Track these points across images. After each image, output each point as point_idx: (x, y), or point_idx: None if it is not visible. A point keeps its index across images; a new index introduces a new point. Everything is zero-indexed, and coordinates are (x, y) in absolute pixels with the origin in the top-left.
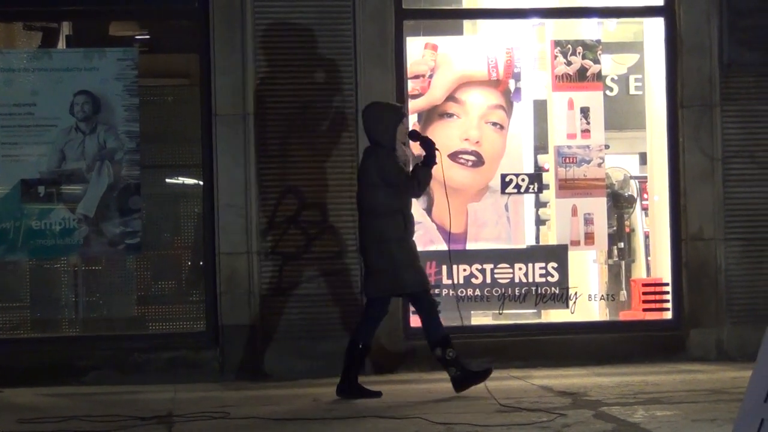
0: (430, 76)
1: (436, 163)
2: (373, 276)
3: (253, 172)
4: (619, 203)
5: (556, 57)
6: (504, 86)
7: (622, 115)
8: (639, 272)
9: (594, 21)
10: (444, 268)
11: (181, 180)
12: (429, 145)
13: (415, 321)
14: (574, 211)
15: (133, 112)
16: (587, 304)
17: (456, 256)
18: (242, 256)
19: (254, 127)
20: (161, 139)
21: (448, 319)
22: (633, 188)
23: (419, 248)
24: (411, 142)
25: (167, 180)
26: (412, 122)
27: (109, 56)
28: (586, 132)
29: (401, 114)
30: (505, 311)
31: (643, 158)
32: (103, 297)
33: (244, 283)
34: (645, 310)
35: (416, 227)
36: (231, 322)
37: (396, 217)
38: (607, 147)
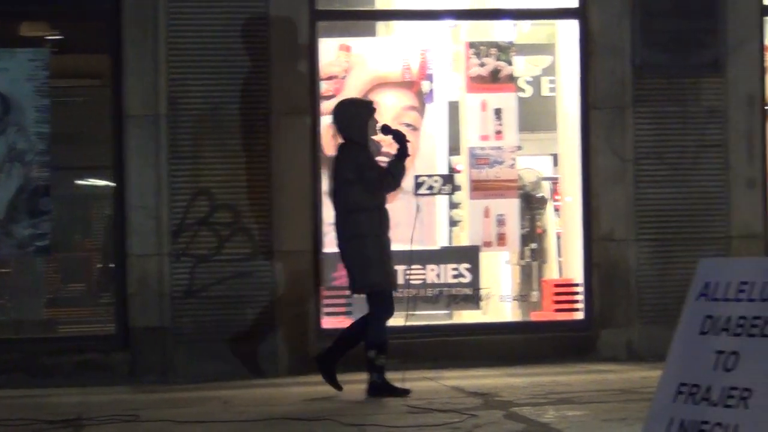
0: (344, 78)
1: (409, 155)
2: (348, 272)
3: (164, 174)
4: (532, 204)
5: (470, 58)
6: (417, 87)
7: (535, 116)
8: (551, 273)
9: (508, 23)
10: None
11: (91, 181)
12: (401, 138)
13: (327, 323)
14: (487, 213)
15: (44, 113)
16: (499, 304)
17: None
18: (153, 257)
19: (166, 128)
20: (72, 140)
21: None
22: (545, 189)
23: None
24: (382, 136)
25: (78, 181)
26: (326, 124)
27: (20, 57)
28: (499, 133)
29: (372, 109)
30: (416, 312)
31: (555, 159)
32: (12, 300)
33: (154, 285)
34: (556, 310)
35: (327, 228)
36: (141, 324)
37: (372, 213)
38: (519, 148)
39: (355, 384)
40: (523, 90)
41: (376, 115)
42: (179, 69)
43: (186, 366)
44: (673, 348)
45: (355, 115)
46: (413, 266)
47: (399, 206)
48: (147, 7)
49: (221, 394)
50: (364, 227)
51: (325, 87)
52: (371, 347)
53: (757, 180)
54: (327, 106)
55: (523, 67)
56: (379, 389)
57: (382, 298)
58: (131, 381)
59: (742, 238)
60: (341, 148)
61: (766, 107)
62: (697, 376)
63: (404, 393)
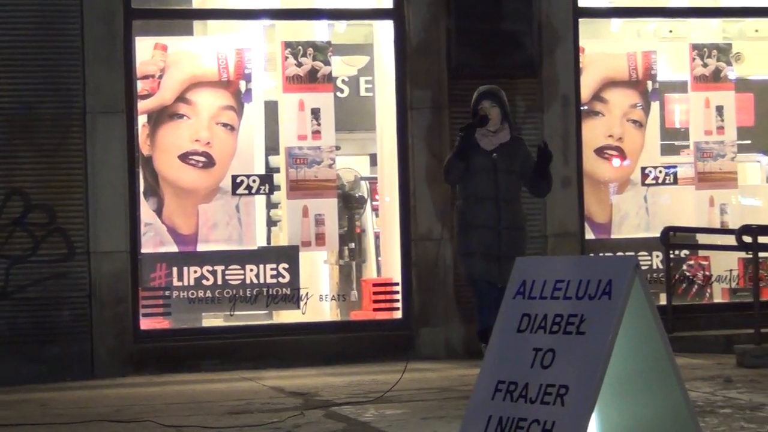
0: (160, 77)
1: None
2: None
3: None
4: (350, 204)
5: (286, 58)
6: (234, 87)
7: (353, 116)
8: (370, 272)
9: (324, 23)
10: (174, 270)
11: None
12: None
13: (145, 324)
14: (305, 212)
15: None
16: (318, 304)
17: (187, 257)
18: None
19: None
20: None
21: (177, 320)
22: (364, 189)
23: (149, 249)
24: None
25: None
26: (142, 123)
27: None
28: (316, 133)
29: None
30: (236, 312)
31: (373, 159)
32: None
33: None
34: (375, 309)
35: (145, 228)
36: None
37: None
38: (338, 148)
39: (172, 386)
40: (340, 90)
41: None
42: None
43: (1, 368)
44: (490, 346)
45: None
46: (232, 266)
47: (218, 206)
48: None
49: (38, 396)
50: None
51: (141, 86)
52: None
53: (572, 179)
54: (144, 106)
55: (340, 67)
56: None
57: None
58: None
59: (558, 237)
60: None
61: (582, 107)
62: (515, 373)
63: None
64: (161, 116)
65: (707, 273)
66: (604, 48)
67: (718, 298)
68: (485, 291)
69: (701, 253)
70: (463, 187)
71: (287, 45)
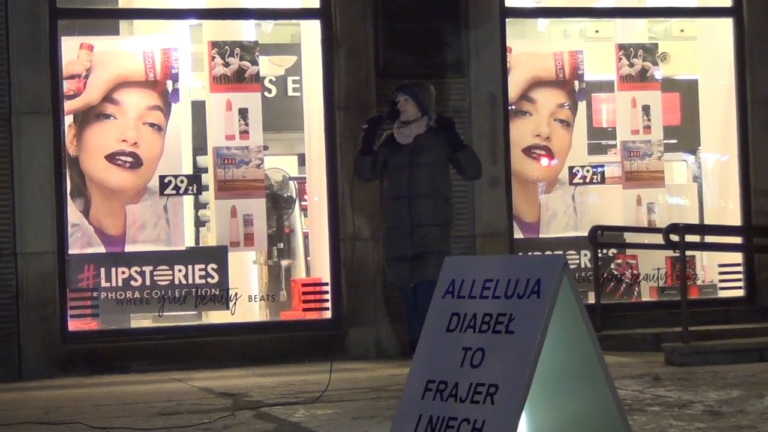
0: (86, 77)
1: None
2: None
3: None
4: (279, 204)
5: (213, 58)
6: (161, 87)
7: (281, 116)
8: (299, 272)
9: (251, 22)
10: (102, 270)
11: None
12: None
13: (73, 325)
14: (234, 212)
15: None
16: (247, 305)
17: (114, 258)
18: None
19: None
20: None
21: (105, 321)
22: (292, 189)
23: (77, 251)
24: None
25: None
26: (68, 123)
27: None
28: (244, 133)
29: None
30: (165, 313)
31: (302, 159)
32: None
33: None
34: (305, 309)
35: (72, 229)
36: None
37: None
38: (266, 148)
39: (101, 387)
40: (268, 90)
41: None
42: None
43: None
44: (420, 346)
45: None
46: (160, 267)
47: (145, 207)
48: None
49: None
50: None
51: (67, 86)
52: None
53: (500, 179)
54: (71, 106)
55: (267, 66)
56: None
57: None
58: None
59: (486, 236)
60: None
61: (509, 107)
62: (445, 372)
63: None
64: (88, 116)
65: (635, 272)
66: (531, 48)
67: (646, 297)
68: (406, 297)
69: (629, 251)
70: (385, 187)
71: (214, 45)
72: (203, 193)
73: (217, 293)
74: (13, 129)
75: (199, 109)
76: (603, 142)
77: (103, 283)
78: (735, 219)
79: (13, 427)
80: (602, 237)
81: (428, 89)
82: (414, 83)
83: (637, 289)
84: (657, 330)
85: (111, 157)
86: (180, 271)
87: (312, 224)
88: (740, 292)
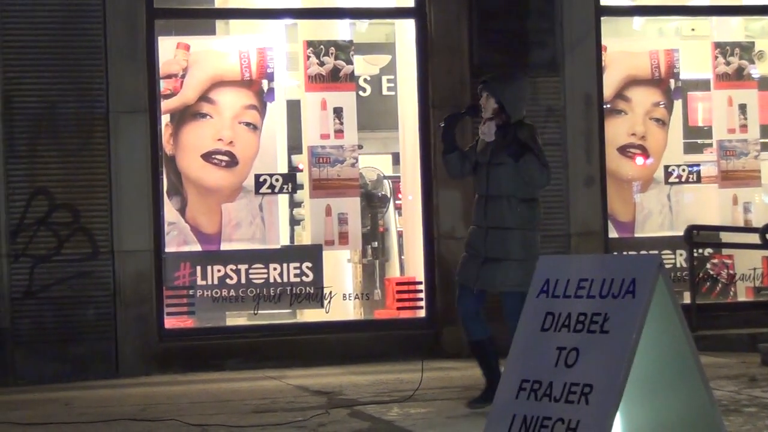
0: (183, 76)
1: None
2: None
3: (0, 174)
4: (373, 203)
5: (308, 57)
6: (257, 86)
7: (375, 115)
8: (393, 271)
9: (346, 22)
10: (198, 269)
11: None
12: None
13: (169, 323)
14: (328, 211)
15: None
16: (342, 303)
17: (210, 257)
18: None
19: (0, 127)
20: None
21: (201, 319)
22: (386, 188)
23: (173, 249)
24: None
25: None
26: (165, 122)
27: None
28: (339, 132)
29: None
30: (260, 311)
31: (396, 158)
32: None
33: None
34: (399, 308)
35: (168, 228)
36: None
37: None
38: (360, 147)
39: (196, 385)
40: (362, 89)
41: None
42: (14, 67)
43: (26, 367)
44: (514, 345)
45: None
46: (255, 265)
47: (241, 205)
48: None
49: (63, 395)
50: None
51: (164, 85)
52: None
53: (595, 178)
54: (167, 105)
55: (362, 66)
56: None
57: None
58: None
59: (581, 236)
60: None
61: (605, 106)
62: (538, 372)
63: None
64: (184, 115)
65: (731, 271)
66: (626, 46)
67: (742, 297)
68: (462, 297)
69: (725, 251)
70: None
71: (309, 44)
72: (298, 191)
73: (311, 291)
74: (110, 128)
75: (294, 108)
76: (699, 141)
77: (199, 281)
78: None
79: (109, 423)
80: (698, 236)
81: (512, 84)
82: (495, 77)
83: (733, 289)
84: (753, 330)
85: (207, 156)
86: (275, 269)
87: (406, 223)
88: None
